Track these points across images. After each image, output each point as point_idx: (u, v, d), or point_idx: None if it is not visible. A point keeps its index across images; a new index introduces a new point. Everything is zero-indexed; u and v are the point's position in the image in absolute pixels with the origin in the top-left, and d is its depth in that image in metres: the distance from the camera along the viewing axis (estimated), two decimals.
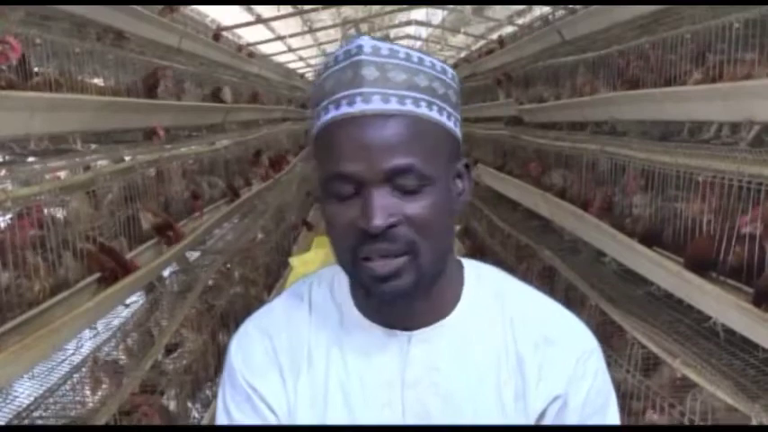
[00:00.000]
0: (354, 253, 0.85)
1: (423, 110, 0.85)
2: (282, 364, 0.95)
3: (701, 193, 2.39)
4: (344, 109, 0.84)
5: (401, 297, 0.87)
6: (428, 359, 0.92)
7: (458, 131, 0.90)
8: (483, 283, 0.97)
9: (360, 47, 0.85)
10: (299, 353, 0.95)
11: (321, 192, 0.87)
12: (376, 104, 0.83)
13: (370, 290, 0.87)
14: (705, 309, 2.34)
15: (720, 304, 2.17)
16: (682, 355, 2.35)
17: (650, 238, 2.71)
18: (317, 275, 1.02)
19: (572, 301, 3.36)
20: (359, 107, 0.83)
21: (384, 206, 0.82)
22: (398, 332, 0.93)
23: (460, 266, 0.97)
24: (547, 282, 3.99)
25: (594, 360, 0.93)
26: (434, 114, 0.86)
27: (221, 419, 0.96)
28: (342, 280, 0.97)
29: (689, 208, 2.45)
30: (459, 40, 10.84)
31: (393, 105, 0.83)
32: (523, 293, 0.98)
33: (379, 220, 0.82)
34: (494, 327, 0.94)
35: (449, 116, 0.88)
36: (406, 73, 0.85)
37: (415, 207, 0.83)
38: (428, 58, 0.88)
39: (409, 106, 0.84)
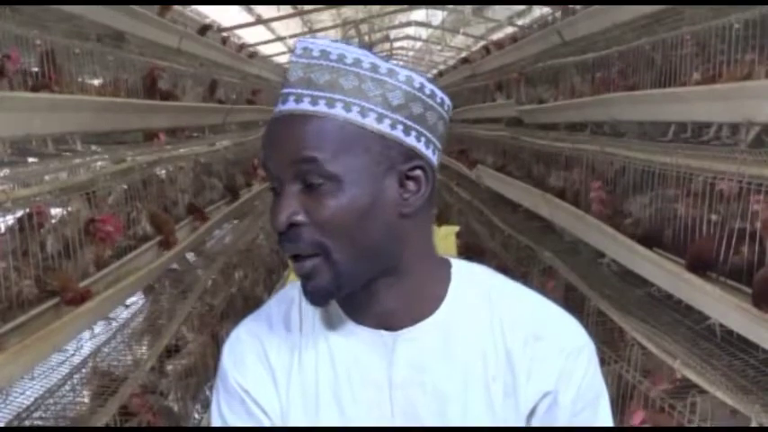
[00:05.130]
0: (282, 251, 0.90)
1: (337, 110, 0.86)
2: (274, 367, 0.95)
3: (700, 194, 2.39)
4: (274, 110, 0.90)
5: (324, 297, 0.90)
6: (414, 358, 0.92)
7: (398, 134, 0.88)
8: (471, 281, 0.96)
9: (294, 50, 0.89)
10: (290, 355, 0.95)
11: None
12: (289, 105, 0.88)
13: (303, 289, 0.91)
14: (705, 310, 2.34)
15: (721, 305, 2.17)
16: (682, 356, 2.35)
17: (650, 240, 2.71)
18: None
19: (572, 301, 3.35)
20: (278, 109, 0.89)
21: (290, 205, 0.86)
22: (384, 332, 0.93)
23: (447, 265, 0.97)
24: (547, 282, 4.00)
25: (585, 356, 0.93)
26: (354, 116, 0.86)
27: (216, 424, 0.97)
28: None
29: (688, 208, 2.45)
30: (458, 40, 10.84)
31: (305, 106, 0.86)
32: (512, 291, 0.98)
33: (281, 218, 0.85)
34: (481, 324, 0.93)
35: (380, 117, 0.87)
36: (331, 74, 0.87)
37: (317, 207, 0.85)
38: (369, 59, 0.88)
39: (322, 107, 0.86)
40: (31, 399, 2.48)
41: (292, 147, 0.85)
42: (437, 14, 10.51)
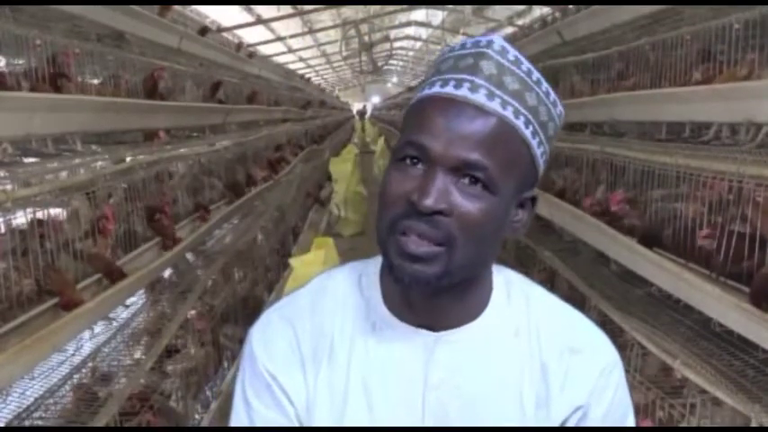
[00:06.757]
0: (395, 224, 0.85)
1: (519, 124, 0.86)
2: (304, 355, 0.94)
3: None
4: (449, 89, 0.86)
5: (422, 284, 0.86)
6: (452, 361, 0.92)
7: (541, 163, 0.90)
8: (511, 289, 0.97)
9: (490, 42, 0.87)
10: (322, 344, 0.94)
11: (392, 155, 0.88)
12: (480, 97, 0.84)
13: (395, 266, 0.86)
14: (705, 309, 2.34)
15: (721, 305, 2.17)
16: (681, 356, 2.35)
17: (650, 239, 2.71)
18: (345, 268, 1.01)
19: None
20: (463, 93, 0.85)
21: (442, 191, 0.83)
22: (425, 331, 0.93)
23: (489, 271, 0.97)
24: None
25: (617, 373, 0.94)
26: (528, 134, 0.87)
27: (239, 407, 0.96)
28: (371, 275, 0.97)
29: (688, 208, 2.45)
30: (458, 41, 10.85)
31: (495, 105, 0.85)
32: (550, 302, 0.99)
33: (431, 200, 0.82)
34: (519, 333, 0.94)
35: (539, 144, 0.88)
36: (521, 85, 0.86)
37: (469, 206, 0.84)
38: (546, 84, 0.89)
39: (509, 114, 0.85)
40: (31, 399, 2.48)
41: (470, 143, 0.83)
42: (437, 14, 10.51)
